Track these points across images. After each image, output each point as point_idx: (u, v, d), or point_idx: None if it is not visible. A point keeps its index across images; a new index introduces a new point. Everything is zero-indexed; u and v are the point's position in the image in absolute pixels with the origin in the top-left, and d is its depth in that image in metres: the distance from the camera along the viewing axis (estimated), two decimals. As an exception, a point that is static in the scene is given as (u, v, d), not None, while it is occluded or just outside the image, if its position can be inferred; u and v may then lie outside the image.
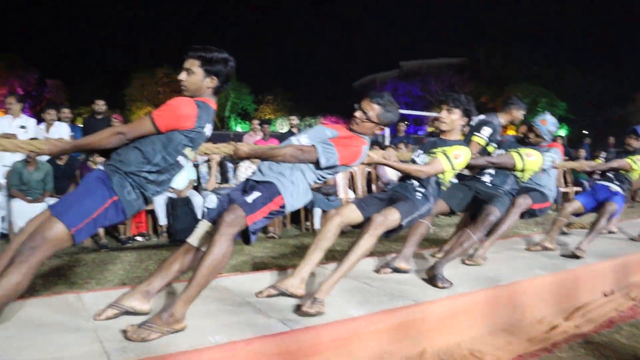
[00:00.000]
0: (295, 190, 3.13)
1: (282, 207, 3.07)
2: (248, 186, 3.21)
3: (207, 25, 68.80)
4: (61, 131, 7.51)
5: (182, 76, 2.88)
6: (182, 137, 2.84)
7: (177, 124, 2.79)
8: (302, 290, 3.43)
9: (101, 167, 2.86)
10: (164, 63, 39.22)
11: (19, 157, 6.71)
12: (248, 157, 3.31)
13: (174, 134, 2.82)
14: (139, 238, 6.86)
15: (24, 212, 6.25)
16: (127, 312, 2.94)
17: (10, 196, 6.58)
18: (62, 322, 2.86)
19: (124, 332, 2.66)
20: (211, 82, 2.90)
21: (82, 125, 8.73)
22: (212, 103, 2.96)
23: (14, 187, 6.58)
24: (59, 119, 7.74)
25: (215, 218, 3.07)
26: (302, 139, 3.30)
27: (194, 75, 2.87)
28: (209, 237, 3.01)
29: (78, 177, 6.95)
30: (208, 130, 2.95)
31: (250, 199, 2.97)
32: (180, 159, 2.91)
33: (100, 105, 8.35)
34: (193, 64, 2.86)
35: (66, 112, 8.04)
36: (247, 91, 41.44)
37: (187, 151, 2.92)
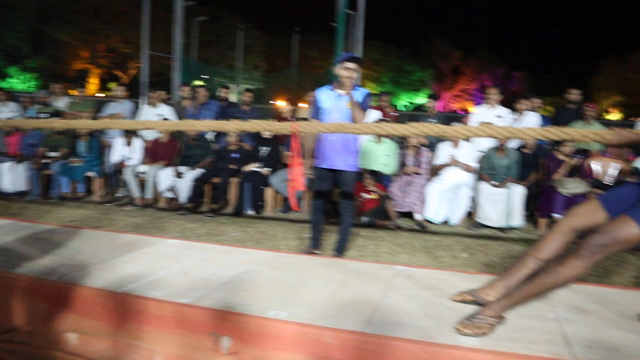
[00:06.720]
0: None
1: None
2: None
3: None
4: (532, 120, 7.57)
5: None
6: None
7: None
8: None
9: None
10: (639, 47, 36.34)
11: (492, 143, 7.14)
12: None
13: None
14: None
15: (489, 193, 6.82)
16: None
17: (479, 179, 7.06)
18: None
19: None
20: None
21: (548, 115, 8.55)
22: None
23: (483, 171, 7.07)
24: (531, 109, 7.81)
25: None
26: None
27: None
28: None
29: (543, 166, 7.17)
30: None
31: None
32: None
33: (575, 94, 8.08)
34: None
35: (536, 101, 8.10)
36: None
37: None
